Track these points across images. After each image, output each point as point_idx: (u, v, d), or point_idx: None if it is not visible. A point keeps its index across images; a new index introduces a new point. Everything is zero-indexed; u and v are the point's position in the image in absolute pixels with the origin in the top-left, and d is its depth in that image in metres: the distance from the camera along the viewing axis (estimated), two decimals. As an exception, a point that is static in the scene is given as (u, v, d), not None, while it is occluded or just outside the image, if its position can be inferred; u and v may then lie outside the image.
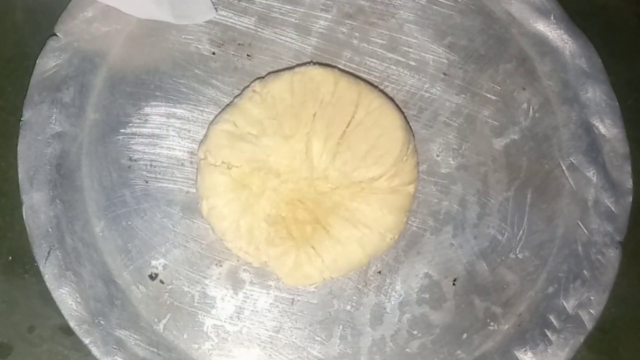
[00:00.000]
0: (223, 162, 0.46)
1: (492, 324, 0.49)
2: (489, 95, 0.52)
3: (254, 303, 0.48)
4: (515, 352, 0.49)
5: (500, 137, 0.51)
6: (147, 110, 0.50)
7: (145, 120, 0.50)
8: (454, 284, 0.50)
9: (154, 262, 0.48)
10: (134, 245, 0.48)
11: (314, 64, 0.50)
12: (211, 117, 0.49)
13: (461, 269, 0.50)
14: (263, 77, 0.49)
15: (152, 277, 0.48)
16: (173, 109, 0.50)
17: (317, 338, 0.49)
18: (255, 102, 0.47)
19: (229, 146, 0.46)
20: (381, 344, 0.49)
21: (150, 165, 0.49)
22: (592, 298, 0.49)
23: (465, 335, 0.49)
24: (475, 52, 0.52)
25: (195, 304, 0.48)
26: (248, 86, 0.49)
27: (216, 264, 0.49)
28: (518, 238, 0.50)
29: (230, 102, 0.49)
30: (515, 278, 0.50)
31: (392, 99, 0.50)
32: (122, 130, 0.49)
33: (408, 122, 0.49)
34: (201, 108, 0.50)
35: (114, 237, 0.48)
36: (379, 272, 0.49)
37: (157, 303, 0.48)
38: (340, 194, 0.47)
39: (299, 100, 0.47)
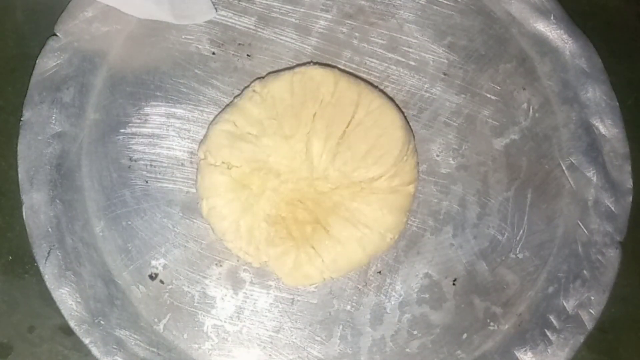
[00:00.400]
0: (223, 162, 0.46)
1: (492, 324, 0.49)
2: (489, 95, 0.52)
3: (254, 303, 0.48)
4: (515, 352, 0.49)
5: (500, 137, 0.51)
6: (147, 110, 0.50)
7: (145, 120, 0.50)
8: (454, 284, 0.50)
9: (154, 262, 0.48)
10: (134, 245, 0.48)
11: (314, 64, 0.50)
12: (211, 117, 0.49)
13: (461, 269, 0.50)
14: (263, 77, 0.49)
15: (152, 277, 0.48)
16: (173, 109, 0.50)
17: (317, 338, 0.49)
18: (255, 102, 0.47)
19: (229, 146, 0.46)
20: (381, 344, 0.49)
21: (150, 165, 0.49)
22: (592, 298, 0.49)
23: (465, 335, 0.49)
24: (475, 52, 0.52)
25: (195, 304, 0.48)
26: (248, 86, 0.49)
27: (216, 264, 0.49)
28: (518, 238, 0.50)
29: (230, 102, 0.49)
30: (515, 278, 0.50)
31: (392, 99, 0.50)
32: (122, 130, 0.49)
33: (408, 122, 0.49)
34: (201, 108, 0.50)
35: (114, 237, 0.48)
36: (379, 272, 0.49)
37: (157, 303, 0.48)
38: (340, 194, 0.47)
39: (299, 100, 0.47)
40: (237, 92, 0.50)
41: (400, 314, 0.49)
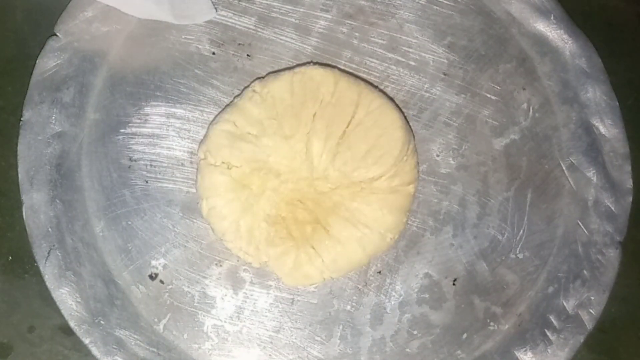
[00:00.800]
0: (223, 162, 0.46)
1: (492, 324, 0.49)
2: (489, 95, 0.52)
3: (254, 303, 0.48)
4: (515, 352, 0.49)
5: (500, 137, 0.51)
6: (147, 110, 0.50)
7: (145, 120, 0.50)
8: (454, 284, 0.50)
9: (154, 262, 0.48)
10: (134, 245, 0.48)
11: (314, 64, 0.50)
12: (211, 117, 0.49)
13: (461, 269, 0.50)
14: (263, 77, 0.49)
15: (152, 277, 0.48)
16: (173, 109, 0.50)
17: (317, 338, 0.49)
18: (255, 102, 0.47)
19: (229, 146, 0.46)
20: (381, 344, 0.49)
21: (150, 165, 0.49)
22: (592, 298, 0.49)
23: (465, 335, 0.49)
24: (475, 52, 0.52)
25: (195, 304, 0.48)
26: (248, 86, 0.49)
27: (216, 264, 0.49)
28: (518, 238, 0.50)
29: (230, 102, 0.49)
30: (515, 278, 0.50)
31: (392, 99, 0.50)
32: (122, 130, 0.49)
33: (408, 122, 0.49)
34: (201, 108, 0.50)
35: (114, 237, 0.48)
36: (379, 272, 0.49)
37: (157, 303, 0.48)
38: (340, 194, 0.47)
39: (299, 100, 0.47)
40: (237, 92, 0.50)
41: (400, 314, 0.49)
